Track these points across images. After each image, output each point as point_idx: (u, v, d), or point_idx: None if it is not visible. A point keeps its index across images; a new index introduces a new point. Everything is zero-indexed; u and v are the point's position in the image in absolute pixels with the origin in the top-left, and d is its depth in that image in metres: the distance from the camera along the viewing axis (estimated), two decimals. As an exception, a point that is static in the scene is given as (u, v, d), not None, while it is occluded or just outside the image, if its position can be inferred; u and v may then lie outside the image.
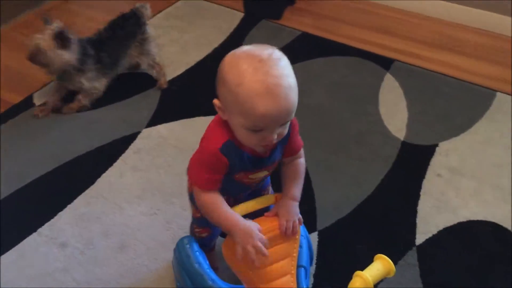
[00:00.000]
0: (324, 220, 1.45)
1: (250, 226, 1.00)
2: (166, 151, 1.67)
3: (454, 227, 1.44)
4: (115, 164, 1.62)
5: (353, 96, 1.88)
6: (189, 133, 1.73)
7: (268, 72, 0.89)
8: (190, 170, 1.07)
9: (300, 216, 1.07)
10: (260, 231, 1.00)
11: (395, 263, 1.35)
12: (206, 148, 1.02)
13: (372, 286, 0.91)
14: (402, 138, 1.71)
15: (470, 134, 1.72)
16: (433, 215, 1.47)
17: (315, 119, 1.78)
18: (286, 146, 1.06)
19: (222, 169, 1.02)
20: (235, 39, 2.14)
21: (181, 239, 1.20)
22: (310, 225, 1.42)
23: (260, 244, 0.98)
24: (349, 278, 1.30)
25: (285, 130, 0.97)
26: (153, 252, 1.39)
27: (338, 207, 1.48)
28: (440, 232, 1.42)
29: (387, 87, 1.92)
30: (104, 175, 1.58)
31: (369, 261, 1.35)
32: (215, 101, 0.98)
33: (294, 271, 1.04)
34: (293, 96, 0.91)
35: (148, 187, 1.55)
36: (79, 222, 1.45)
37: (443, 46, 2.14)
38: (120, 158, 1.64)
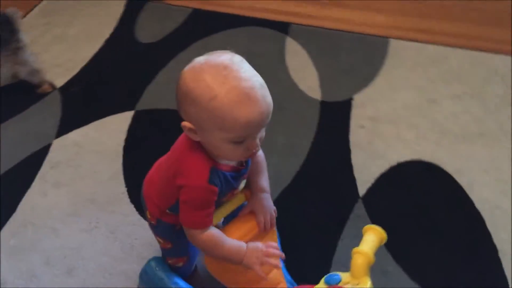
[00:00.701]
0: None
1: (253, 245, 0.98)
2: (87, 158, 1.56)
3: (388, 172, 1.54)
4: (33, 185, 1.48)
5: (261, 65, 1.87)
6: (105, 134, 1.63)
7: (238, 77, 0.85)
8: (182, 217, 0.99)
9: (274, 207, 1.07)
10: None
11: (347, 218, 1.45)
12: (193, 186, 0.94)
13: (374, 259, 0.94)
14: (319, 98, 1.77)
15: (378, 82, 1.83)
16: (367, 165, 1.56)
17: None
18: None
19: (214, 200, 0.96)
20: (125, 27, 2.03)
21: (148, 263, 1.16)
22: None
23: (267, 260, 0.97)
24: (311, 246, 1.35)
25: (264, 132, 0.94)
26: (105, 267, 1.31)
27: (280, 178, 1.51)
28: (377, 180, 1.51)
29: (291, 51, 1.96)
30: (24, 199, 1.44)
31: (325, 224, 1.42)
32: (185, 123, 0.91)
33: (280, 264, 1.05)
34: (268, 94, 0.88)
35: (79, 200, 1.45)
36: (12, 256, 1.31)
37: (332, 3, 2.22)
38: (37, 176, 1.50)
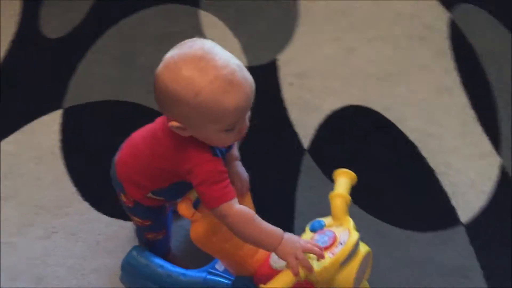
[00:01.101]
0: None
1: (292, 236, 0.96)
2: (26, 166, 1.50)
3: (325, 122, 1.63)
4: (-27, 204, 1.41)
5: (181, 42, 1.90)
6: (37, 138, 1.57)
7: (216, 65, 0.86)
8: (204, 199, 0.97)
9: (246, 173, 1.11)
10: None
11: (297, 171, 1.53)
12: (201, 163, 0.94)
13: (350, 199, 1.02)
14: (246, 64, 1.81)
15: (297, 40, 1.90)
16: (305, 119, 1.64)
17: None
18: None
19: (225, 170, 0.96)
20: (29, 25, 1.93)
21: (129, 253, 1.17)
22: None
23: (304, 257, 0.93)
24: (270, 205, 1.42)
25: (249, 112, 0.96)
26: (75, 268, 1.30)
27: (226, 147, 1.56)
28: (317, 131, 1.61)
29: (207, 24, 1.97)
30: (-32, 220, 1.37)
31: (279, 182, 1.49)
32: (172, 123, 0.91)
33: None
34: (247, 73, 0.90)
35: (29, 210, 1.41)
36: (-26, 281, 1.26)
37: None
38: (-25, 195, 1.43)
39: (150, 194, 1.08)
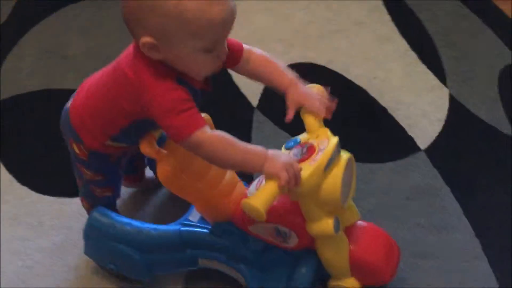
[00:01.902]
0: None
1: (275, 151, 0.90)
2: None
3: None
4: None
5: (121, 30, 1.88)
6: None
7: None
8: (171, 132, 0.89)
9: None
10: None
11: (250, 127, 1.50)
12: (161, 92, 0.86)
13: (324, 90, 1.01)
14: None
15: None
16: (250, 81, 1.63)
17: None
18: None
19: (190, 99, 0.88)
20: None
21: (91, 215, 1.10)
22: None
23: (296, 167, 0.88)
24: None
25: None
26: (19, 250, 1.20)
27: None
28: (264, 90, 1.59)
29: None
30: None
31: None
32: (144, 40, 0.83)
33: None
34: None
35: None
36: None
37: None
38: None
39: (109, 141, 1.01)
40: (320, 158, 0.91)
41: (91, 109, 0.99)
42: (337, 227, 0.96)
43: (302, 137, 0.98)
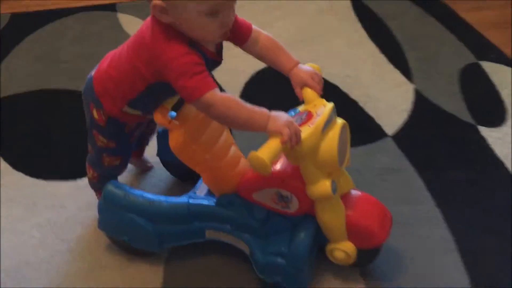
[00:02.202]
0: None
1: (277, 112, 0.97)
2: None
3: (251, 80, 1.76)
4: None
5: (103, 39, 2.00)
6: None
7: None
8: (185, 93, 0.96)
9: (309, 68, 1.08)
10: None
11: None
12: (176, 55, 0.93)
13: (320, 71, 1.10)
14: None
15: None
16: (232, 81, 1.75)
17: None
18: (232, 33, 1.03)
19: (203, 63, 0.95)
20: None
21: (105, 189, 1.15)
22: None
23: (296, 126, 0.96)
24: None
25: (234, 11, 0.98)
26: (14, 228, 1.30)
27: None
28: (244, 88, 1.72)
29: (126, 22, 2.09)
30: None
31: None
32: (155, 2, 0.92)
33: (232, 140, 1.17)
34: None
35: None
36: None
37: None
38: None
39: (126, 108, 1.09)
40: (317, 121, 1.00)
41: (114, 75, 1.06)
42: (334, 188, 1.02)
43: (301, 107, 1.07)
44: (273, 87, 1.70)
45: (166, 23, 0.96)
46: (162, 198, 1.16)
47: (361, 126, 1.56)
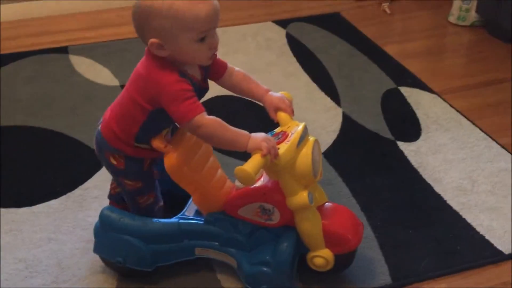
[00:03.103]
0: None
1: (256, 133, 1.13)
2: None
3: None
4: None
5: (55, 78, 2.17)
6: None
7: None
8: (176, 116, 1.10)
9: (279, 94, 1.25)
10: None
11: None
12: (167, 83, 1.08)
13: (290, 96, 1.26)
14: (120, 84, 2.13)
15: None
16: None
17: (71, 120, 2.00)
18: (210, 70, 1.21)
19: (192, 89, 1.10)
20: None
21: (101, 214, 1.25)
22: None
23: (273, 142, 1.11)
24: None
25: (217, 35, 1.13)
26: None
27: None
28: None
29: (77, 63, 2.26)
30: None
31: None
32: (152, 41, 1.07)
33: (219, 164, 1.31)
34: None
35: None
36: None
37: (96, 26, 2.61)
38: None
39: (135, 143, 1.20)
40: (292, 138, 1.15)
41: (116, 116, 1.19)
42: (311, 199, 1.16)
43: (277, 129, 1.22)
44: (225, 111, 1.90)
45: (162, 57, 1.11)
46: (154, 219, 1.27)
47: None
